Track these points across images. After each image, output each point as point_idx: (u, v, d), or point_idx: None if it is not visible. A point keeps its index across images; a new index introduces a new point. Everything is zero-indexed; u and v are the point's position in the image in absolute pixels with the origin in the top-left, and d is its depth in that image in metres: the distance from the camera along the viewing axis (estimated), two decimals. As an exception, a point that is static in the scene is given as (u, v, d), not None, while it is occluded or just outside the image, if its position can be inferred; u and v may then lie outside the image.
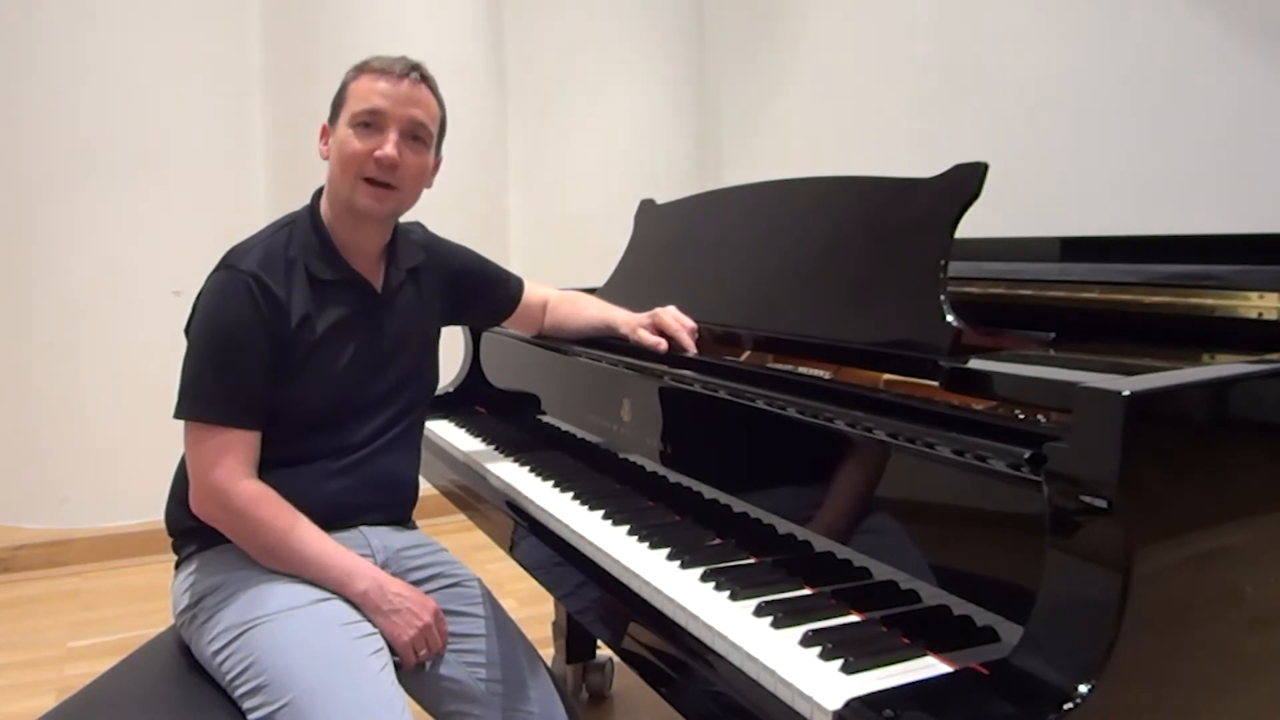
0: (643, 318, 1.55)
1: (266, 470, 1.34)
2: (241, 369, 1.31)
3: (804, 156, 3.74)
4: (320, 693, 1.17)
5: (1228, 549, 0.81)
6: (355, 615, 1.29)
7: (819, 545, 1.08)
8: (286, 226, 1.42)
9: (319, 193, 1.46)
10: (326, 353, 1.38)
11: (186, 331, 1.37)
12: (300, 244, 1.39)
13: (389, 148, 1.35)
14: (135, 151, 3.44)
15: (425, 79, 1.41)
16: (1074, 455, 0.75)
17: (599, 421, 1.57)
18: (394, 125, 1.36)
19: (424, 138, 1.41)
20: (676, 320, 1.50)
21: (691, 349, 1.46)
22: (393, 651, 1.30)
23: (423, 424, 1.57)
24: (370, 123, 1.36)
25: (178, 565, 1.40)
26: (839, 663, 0.86)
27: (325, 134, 1.43)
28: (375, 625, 1.29)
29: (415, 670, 1.36)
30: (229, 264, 1.35)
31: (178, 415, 1.32)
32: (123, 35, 3.41)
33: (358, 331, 1.42)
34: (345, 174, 1.37)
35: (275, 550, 1.30)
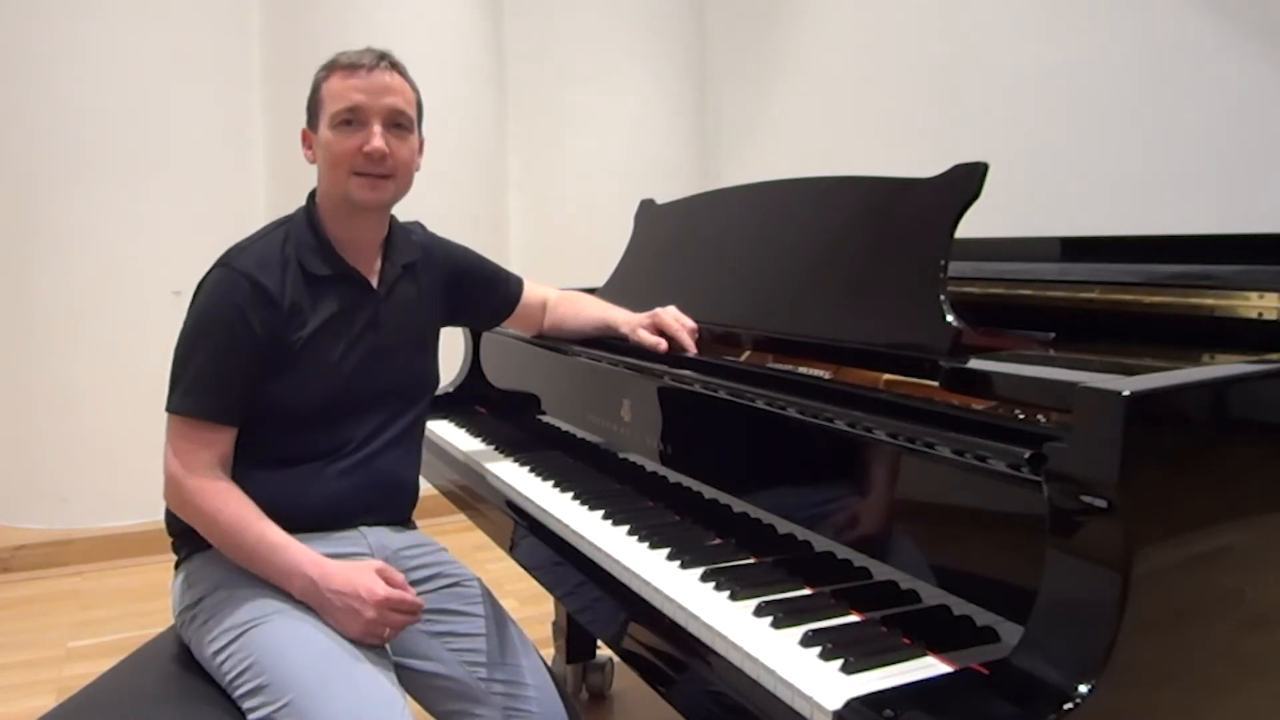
0: (643, 318, 1.55)
1: (265, 469, 1.34)
2: (219, 364, 1.31)
3: (804, 156, 3.74)
4: (320, 693, 1.17)
5: (1228, 549, 0.81)
6: (355, 615, 1.29)
7: (819, 545, 1.08)
8: (282, 226, 1.43)
9: (314, 193, 1.46)
10: (323, 346, 1.38)
11: None
12: (296, 242, 1.40)
13: (376, 141, 1.36)
14: (135, 150, 3.44)
15: (394, 65, 1.41)
16: (1074, 455, 0.75)
17: (599, 421, 1.57)
18: (375, 118, 1.37)
19: (405, 124, 1.41)
20: (676, 320, 1.50)
21: (691, 349, 1.46)
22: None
23: (423, 424, 1.56)
24: (351, 119, 1.37)
25: (177, 565, 1.40)
26: (839, 663, 0.86)
27: (307, 138, 1.44)
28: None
29: (415, 670, 1.37)
30: (224, 262, 1.36)
31: (166, 409, 1.33)
32: (123, 34, 3.41)
33: (354, 325, 1.42)
34: (336, 172, 1.38)
35: (224, 546, 1.30)
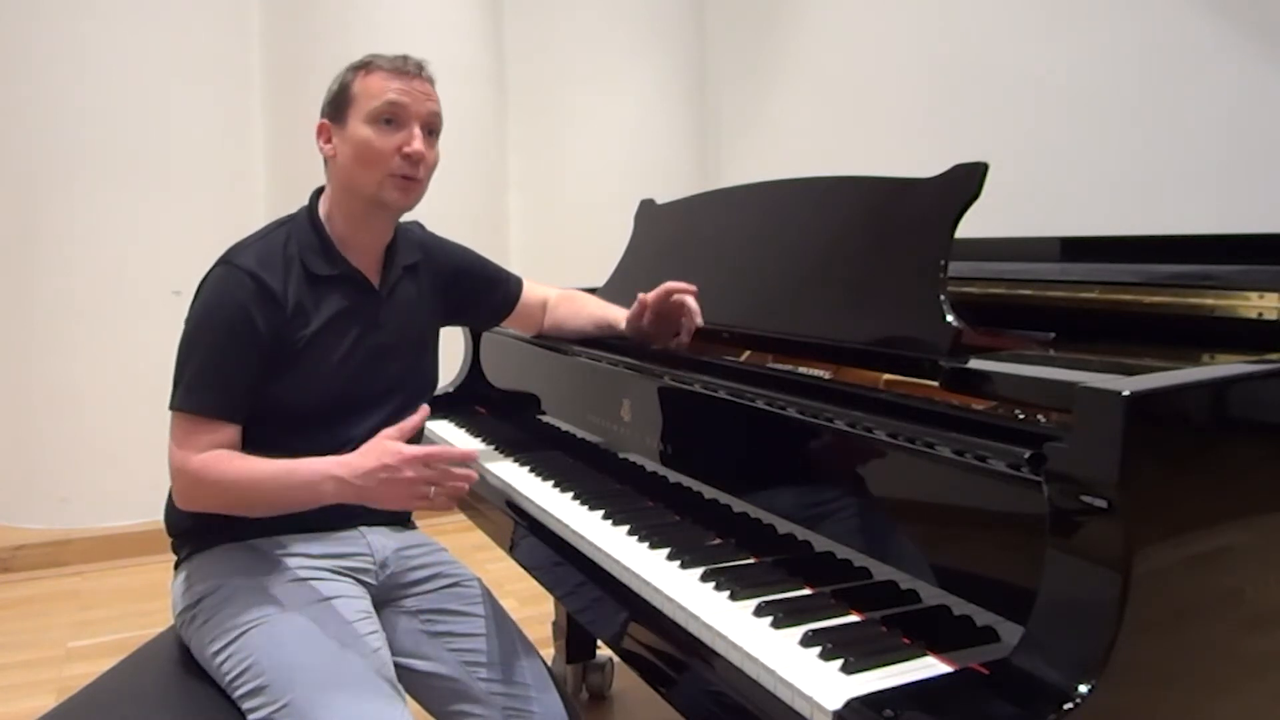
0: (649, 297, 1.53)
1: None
2: (222, 361, 1.31)
3: (804, 156, 3.74)
4: (319, 693, 1.17)
5: (1228, 549, 0.81)
6: (355, 615, 1.29)
7: (819, 545, 1.08)
8: (284, 225, 1.42)
9: (317, 193, 1.46)
10: (323, 346, 1.38)
11: None
12: (298, 242, 1.40)
13: (417, 143, 1.37)
14: (135, 150, 3.44)
15: (430, 77, 1.43)
16: (1074, 455, 0.75)
17: (599, 421, 1.57)
18: (415, 120, 1.38)
19: (437, 132, 1.43)
20: (686, 288, 1.48)
21: (697, 318, 1.46)
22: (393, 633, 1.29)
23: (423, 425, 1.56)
24: (392, 119, 1.37)
25: (177, 566, 1.40)
26: (839, 663, 0.86)
27: (325, 131, 1.43)
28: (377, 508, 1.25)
29: (415, 670, 1.37)
30: (226, 259, 1.36)
31: (169, 407, 1.33)
32: (123, 34, 3.41)
33: (355, 326, 1.42)
34: (371, 171, 1.37)
35: (250, 499, 1.28)
